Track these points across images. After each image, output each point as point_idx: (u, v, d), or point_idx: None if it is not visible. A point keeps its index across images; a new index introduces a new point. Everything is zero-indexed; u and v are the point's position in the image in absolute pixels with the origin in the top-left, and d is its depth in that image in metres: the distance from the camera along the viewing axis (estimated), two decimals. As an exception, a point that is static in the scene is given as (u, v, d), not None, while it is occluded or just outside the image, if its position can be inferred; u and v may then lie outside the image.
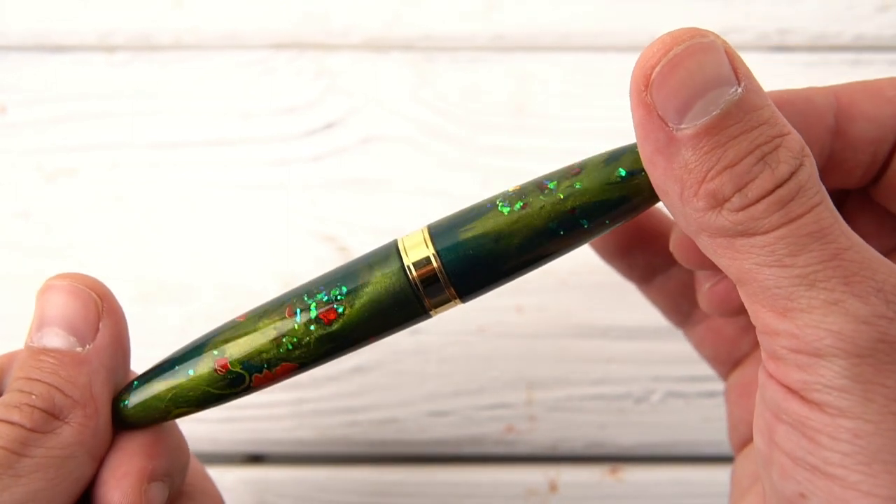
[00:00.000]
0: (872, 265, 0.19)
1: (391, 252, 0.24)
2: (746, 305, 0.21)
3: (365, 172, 0.40)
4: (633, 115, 0.20)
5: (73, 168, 0.40)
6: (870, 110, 0.23)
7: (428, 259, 0.23)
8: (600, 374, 0.38)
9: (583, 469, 0.38)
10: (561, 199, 0.22)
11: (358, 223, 0.39)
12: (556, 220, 0.22)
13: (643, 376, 0.38)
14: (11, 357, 0.25)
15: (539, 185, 0.23)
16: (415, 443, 0.38)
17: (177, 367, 0.24)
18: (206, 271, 0.39)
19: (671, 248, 0.27)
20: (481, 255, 0.23)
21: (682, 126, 0.20)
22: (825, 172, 0.24)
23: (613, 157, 0.22)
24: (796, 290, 0.19)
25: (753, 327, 0.21)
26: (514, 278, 0.23)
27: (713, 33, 0.20)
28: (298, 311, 0.24)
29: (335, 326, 0.23)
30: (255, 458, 0.39)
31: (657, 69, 0.20)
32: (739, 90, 0.20)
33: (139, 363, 0.26)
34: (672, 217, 0.22)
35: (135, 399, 0.25)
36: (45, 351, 0.24)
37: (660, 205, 0.23)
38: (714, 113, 0.19)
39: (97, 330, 0.24)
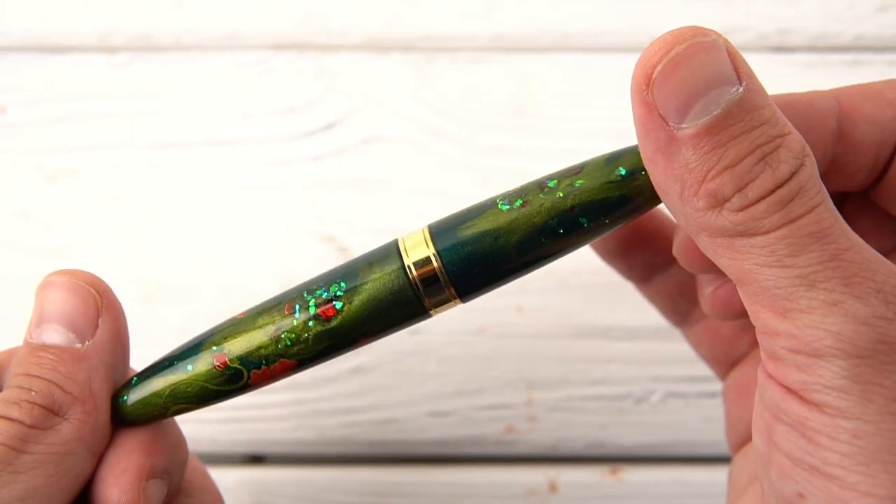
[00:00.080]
0: (872, 266, 0.19)
1: (391, 251, 0.24)
2: (746, 305, 0.21)
3: (365, 172, 0.40)
4: (634, 114, 0.20)
5: (73, 168, 0.40)
6: (871, 113, 0.23)
7: (428, 259, 0.23)
8: (600, 375, 0.38)
9: (583, 469, 0.38)
10: (561, 197, 0.22)
11: (358, 223, 0.39)
12: (556, 219, 0.22)
13: (643, 376, 0.38)
14: (10, 353, 0.25)
15: (539, 185, 0.23)
16: (415, 443, 0.38)
17: (176, 364, 0.24)
18: (206, 271, 0.39)
19: (674, 251, 0.27)
20: (481, 254, 0.23)
21: (683, 125, 0.20)
22: (827, 176, 0.24)
23: (614, 157, 0.23)
24: (796, 291, 0.19)
25: (752, 327, 0.21)
26: (513, 279, 0.23)
27: (715, 32, 0.20)
28: (297, 307, 0.24)
29: (334, 323, 0.23)
30: (255, 459, 0.39)
31: (658, 68, 0.20)
32: (741, 89, 0.19)
33: (139, 363, 0.26)
34: (672, 217, 0.22)
35: (134, 396, 0.25)
36: (45, 347, 0.24)
37: (660, 205, 0.23)
38: (715, 112, 0.19)
39: (96, 326, 0.24)
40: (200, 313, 0.39)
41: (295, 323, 0.23)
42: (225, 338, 0.24)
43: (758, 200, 0.19)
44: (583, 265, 0.37)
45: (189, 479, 0.27)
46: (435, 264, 0.23)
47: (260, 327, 0.24)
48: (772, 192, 0.19)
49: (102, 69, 0.41)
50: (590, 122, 0.40)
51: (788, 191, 0.19)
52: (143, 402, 0.24)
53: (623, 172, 0.22)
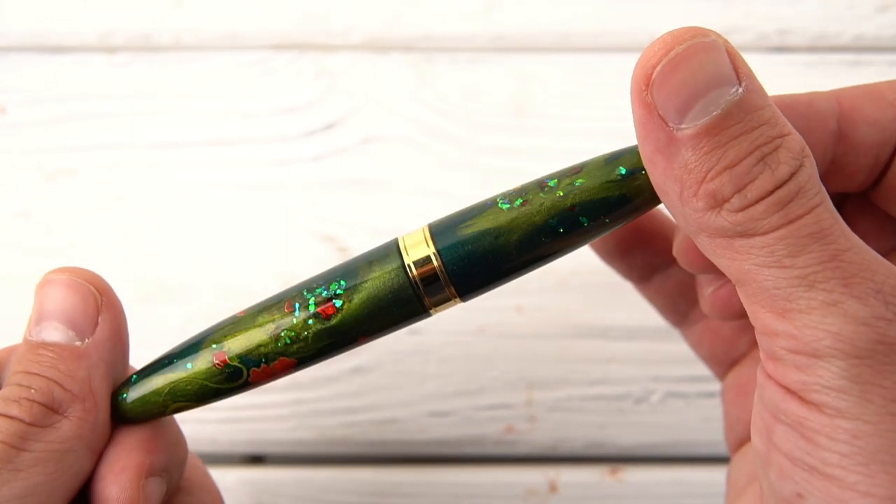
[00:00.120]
0: (872, 266, 0.19)
1: (391, 250, 0.24)
2: (745, 306, 0.21)
3: (365, 172, 0.40)
4: (634, 114, 0.20)
5: (73, 168, 0.40)
6: (871, 114, 0.23)
7: (428, 258, 0.23)
8: (600, 374, 0.38)
9: (583, 469, 0.38)
10: (561, 196, 0.22)
11: (358, 223, 0.39)
12: (556, 217, 0.22)
13: (643, 376, 0.38)
14: (10, 351, 0.25)
15: (539, 184, 0.23)
16: (415, 443, 0.38)
17: (175, 361, 0.24)
18: (206, 271, 0.39)
19: (674, 251, 0.27)
20: (481, 253, 0.23)
21: (683, 126, 0.20)
22: (827, 177, 0.24)
23: (614, 157, 0.23)
24: (795, 291, 0.19)
25: (751, 328, 0.21)
26: (513, 278, 0.23)
27: (715, 32, 0.20)
28: (297, 305, 0.24)
29: (333, 321, 0.23)
30: (255, 459, 0.39)
31: (658, 68, 0.20)
32: (740, 90, 0.19)
33: (139, 363, 0.26)
34: (672, 217, 0.22)
35: (133, 393, 0.25)
36: (44, 345, 0.24)
37: (660, 205, 0.23)
38: (714, 113, 0.19)
39: (96, 324, 0.24)
40: (200, 313, 0.39)
41: (295, 321, 0.23)
42: (225, 336, 0.24)
43: (757, 201, 0.19)
44: (582, 265, 0.37)
45: (189, 478, 0.27)
46: (435, 263, 0.23)
47: (260, 325, 0.24)
48: (771, 192, 0.19)
49: (102, 69, 0.41)
50: (590, 122, 0.40)
51: (788, 191, 0.19)
52: (142, 399, 0.24)
53: (623, 172, 0.22)
